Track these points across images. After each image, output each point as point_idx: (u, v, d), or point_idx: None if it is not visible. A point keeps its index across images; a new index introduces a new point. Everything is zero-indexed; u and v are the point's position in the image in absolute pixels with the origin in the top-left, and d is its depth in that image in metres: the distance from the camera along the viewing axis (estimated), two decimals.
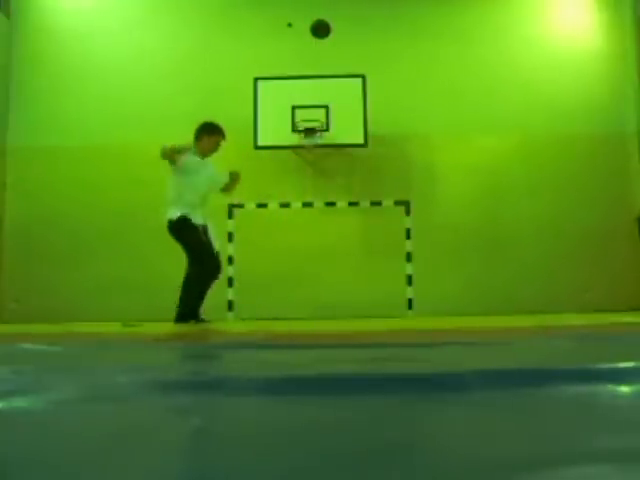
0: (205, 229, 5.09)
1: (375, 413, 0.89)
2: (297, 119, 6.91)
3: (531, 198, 7.32)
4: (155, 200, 7.33)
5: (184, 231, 4.99)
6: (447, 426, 0.80)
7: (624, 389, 1.04)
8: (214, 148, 5.17)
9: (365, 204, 7.17)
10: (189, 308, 4.99)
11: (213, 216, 7.12)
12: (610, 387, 1.03)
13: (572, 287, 7.07)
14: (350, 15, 7.40)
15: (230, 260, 7.01)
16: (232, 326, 4.99)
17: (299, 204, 7.09)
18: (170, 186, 5.05)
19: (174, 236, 5.06)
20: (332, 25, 5.86)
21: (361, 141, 6.84)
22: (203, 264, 4.97)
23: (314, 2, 7.31)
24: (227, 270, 7.02)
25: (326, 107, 6.89)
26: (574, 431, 0.74)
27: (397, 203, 7.08)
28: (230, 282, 6.99)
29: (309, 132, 6.85)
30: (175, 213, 5.00)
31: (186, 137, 7.33)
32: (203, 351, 2.22)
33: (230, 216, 7.07)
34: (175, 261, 7.26)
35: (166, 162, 7.64)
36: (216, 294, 7.02)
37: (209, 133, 5.14)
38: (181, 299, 5.02)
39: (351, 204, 7.19)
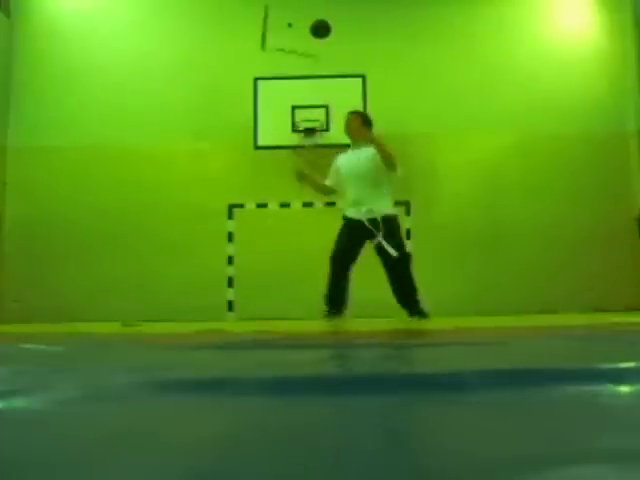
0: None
1: (375, 413, 0.89)
2: (297, 119, 6.92)
3: (531, 198, 7.33)
4: (155, 200, 7.34)
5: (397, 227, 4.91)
6: (447, 426, 0.80)
7: (624, 389, 1.04)
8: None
9: None
10: (419, 301, 4.93)
11: (213, 216, 7.16)
12: (610, 387, 1.03)
13: (572, 287, 7.07)
14: (350, 15, 7.41)
15: (230, 260, 7.01)
16: (232, 326, 4.99)
17: (299, 204, 7.09)
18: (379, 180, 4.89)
19: (387, 232, 4.78)
20: (332, 25, 5.85)
21: None
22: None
23: (314, 2, 7.32)
24: (227, 270, 7.03)
25: (326, 107, 6.89)
26: (574, 431, 0.74)
27: (397, 203, 7.05)
28: (230, 282, 6.99)
29: (309, 132, 6.85)
30: (390, 208, 4.92)
31: (185, 137, 7.36)
32: (203, 351, 2.22)
33: (230, 216, 7.07)
34: (175, 261, 7.28)
35: (165, 164, 7.64)
36: (216, 294, 7.04)
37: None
38: (412, 303, 4.92)
39: None
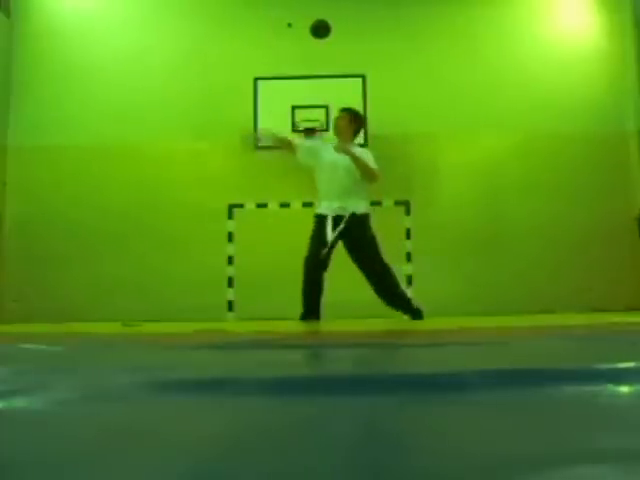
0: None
1: (374, 413, 0.89)
2: (297, 119, 6.92)
3: (531, 198, 7.33)
4: (156, 199, 7.34)
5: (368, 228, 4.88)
6: (447, 426, 0.80)
7: (624, 389, 1.04)
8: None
9: None
10: (406, 296, 4.92)
11: (212, 216, 7.16)
12: (610, 387, 1.03)
13: (572, 287, 7.07)
14: (350, 15, 7.40)
15: (230, 260, 7.01)
16: (232, 326, 4.99)
17: (299, 204, 7.09)
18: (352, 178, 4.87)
19: (355, 232, 4.79)
20: (332, 25, 5.86)
21: (361, 141, 6.84)
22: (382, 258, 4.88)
23: (314, 2, 7.31)
24: (227, 270, 7.03)
25: (326, 107, 6.89)
26: (574, 431, 0.74)
27: (397, 203, 7.07)
28: (230, 282, 6.99)
29: (309, 132, 6.85)
30: (362, 207, 4.90)
31: (185, 136, 7.36)
32: (203, 351, 2.22)
33: (230, 216, 7.08)
34: (175, 261, 7.27)
35: (165, 162, 7.64)
36: (216, 294, 7.04)
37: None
38: (395, 298, 4.91)
39: None
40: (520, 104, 7.40)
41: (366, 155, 4.97)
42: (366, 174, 4.84)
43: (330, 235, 4.73)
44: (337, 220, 4.79)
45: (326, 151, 5.06)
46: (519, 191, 7.35)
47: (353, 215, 4.80)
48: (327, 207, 4.88)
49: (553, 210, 7.29)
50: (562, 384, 1.05)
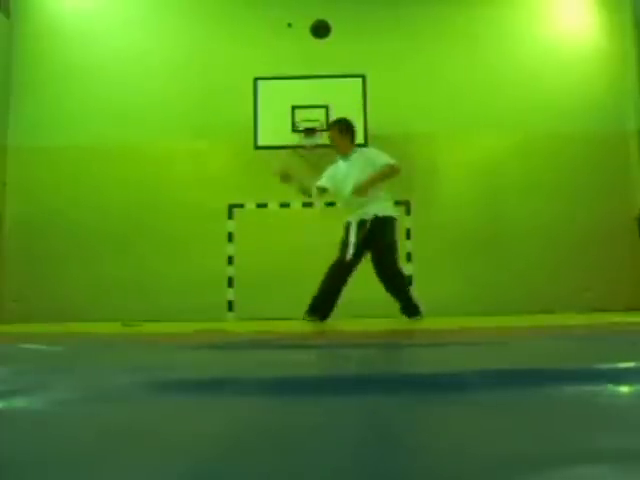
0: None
1: (375, 413, 0.89)
2: (297, 119, 6.92)
3: (531, 198, 7.33)
4: (156, 200, 7.34)
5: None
6: (447, 426, 0.80)
7: (624, 389, 1.04)
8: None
9: None
10: (412, 297, 4.92)
11: (213, 216, 7.16)
12: (610, 387, 1.03)
13: (572, 287, 7.07)
14: (350, 15, 7.41)
15: (230, 260, 7.01)
16: (232, 326, 4.99)
17: (299, 204, 7.09)
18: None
19: (376, 233, 4.81)
20: (332, 25, 5.86)
21: (361, 141, 6.84)
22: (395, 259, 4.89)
23: (314, 2, 7.32)
24: (227, 270, 7.03)
25: (326, 107, 6.89)
26: (574, 431, 0.74)
27: (397, 203, 7.06)
28: (230, 282, 6.99)
29: (309, 132, 6.85)
30: (386, 210, 4.92)
31: (185, 136, 7.36)
32: (203, 351, 2.22)
33: (230, 216, 7.08)
34: (175, 261, 7.28)
35: (165, 163, 7.64)
36: (216, 294, 7.04)
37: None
38: (402, 297, 4.92)
39: None
40: (520, 104, 7.40)
41: (372, 162, 4.95)
42: (389, 177, 4.92)
43: (353, 238, 4.76)
44: (361, 224, 4.83)
45: (338, 167, 5.09)
46: (519, 191, 7.35)
47: (376, 217, 4.82)
48: (351, 215, 4.93)
49: (553, 210, 7.29)
50: (562, 384, 1.05)
